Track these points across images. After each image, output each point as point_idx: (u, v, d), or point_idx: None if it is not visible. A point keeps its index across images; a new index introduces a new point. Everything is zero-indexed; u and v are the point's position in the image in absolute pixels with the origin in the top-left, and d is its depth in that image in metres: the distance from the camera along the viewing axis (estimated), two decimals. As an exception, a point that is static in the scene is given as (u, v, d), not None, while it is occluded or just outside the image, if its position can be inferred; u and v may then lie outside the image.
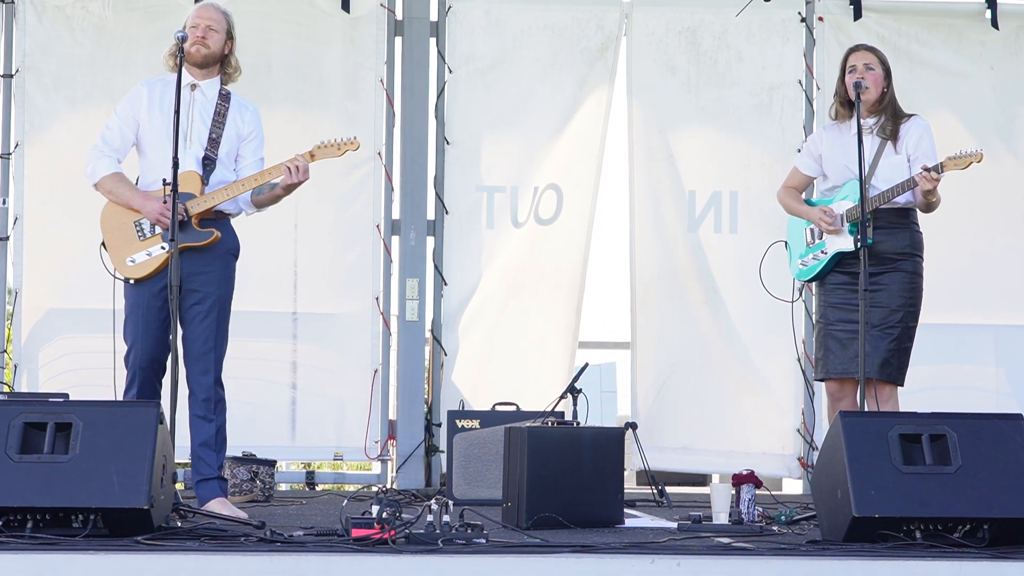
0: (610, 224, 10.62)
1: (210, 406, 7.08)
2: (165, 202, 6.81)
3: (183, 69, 6.97)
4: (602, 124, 9.66)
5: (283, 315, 9.43)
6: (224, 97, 7.20)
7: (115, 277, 7.08)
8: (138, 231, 7.05)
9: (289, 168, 7.05)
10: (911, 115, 7.49)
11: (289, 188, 7.14)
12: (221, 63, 7.25)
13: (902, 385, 7.40)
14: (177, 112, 6.70)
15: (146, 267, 7.03)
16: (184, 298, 6.99)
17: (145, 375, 7.09)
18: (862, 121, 7.33)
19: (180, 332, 7.00)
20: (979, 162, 7.18)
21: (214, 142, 7.09)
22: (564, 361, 9.60)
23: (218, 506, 6.98)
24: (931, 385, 9.19)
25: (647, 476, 8.63)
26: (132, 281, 7.04)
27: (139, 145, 7.16)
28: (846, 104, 7.49)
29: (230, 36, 7.24)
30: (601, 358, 15.02)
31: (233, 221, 7.27)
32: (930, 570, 5.29)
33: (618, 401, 15.87)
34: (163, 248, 6.97)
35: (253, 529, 5.88)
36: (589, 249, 9.68)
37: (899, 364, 7.36)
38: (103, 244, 7.09)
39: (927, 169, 7.15)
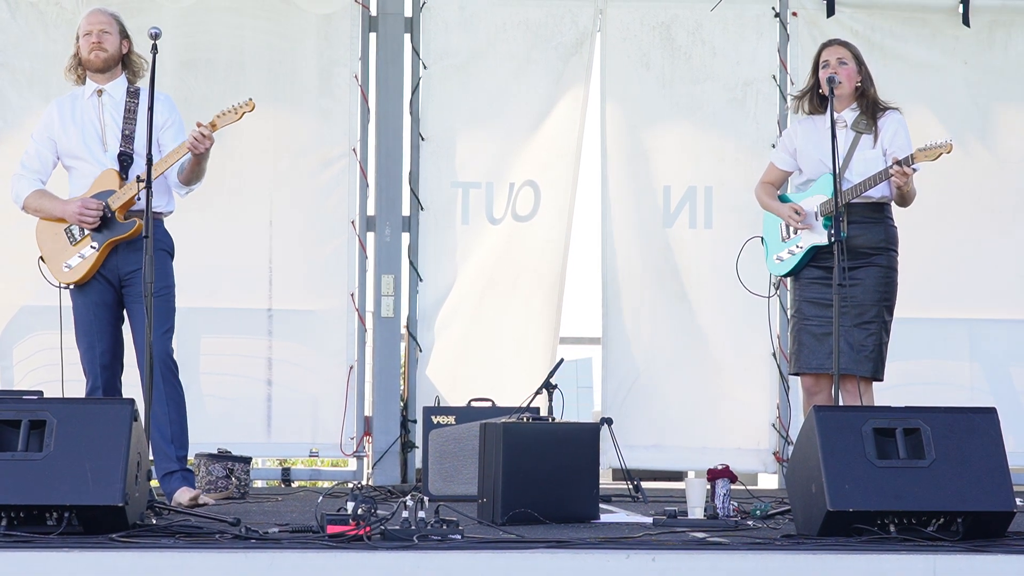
0: (586, 221, 10.62)
1: (172, 369, 7.19)
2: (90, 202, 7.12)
3: (88, 77, 7.30)
4: (579, 120, 9.65)
5: (258, 311, 9.40)
6: (133, 94, 7.35)
7: (58, 287, 7.20)
8: (69, 237, 7.20)
9: (195, 138, 7.11)
10: (887, 109, 7.50)
11: (200, 157, 7.22)
12: (123, 64, 7.35)
13: (881, 380, 7.43)
14: (151, 108, 6.75)
15: (80, 269, 7.18)
16: (130, 290, 7.15)
17: (108, 375, 7.21)
18: (837, 115, 7.37)
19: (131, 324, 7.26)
20: (949, 152, 7.20)
21: (128, 138, 7.24)
22: (545, 357, 9.58)
23: (184, 496, 7.03)
24: (905, 380, 9.20)
25: (623, 471, 8.63)
26: (72, 286, 7.16)
27: (63, 163, 7.29)
28: (820, 99, 7.51)
29: (124, 35, 7.43)
30: (577, 353, 15.00)
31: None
32: (904, 564, 5.30)
33: (594, 396, 15.85)
34: (93, 248, 7.16)
35: (228, 526, 5.88)
36: (569, 246, 9.67)
37: (877, 359, 7.38)
38: (41, 258, 7.20)
39: (898, 162, 7.18)
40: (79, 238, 7.19)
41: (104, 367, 7.23)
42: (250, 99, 7.33)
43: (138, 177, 6.96)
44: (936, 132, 8.56)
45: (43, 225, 7.28)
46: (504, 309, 9.63)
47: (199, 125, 7.17)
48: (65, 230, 7.22)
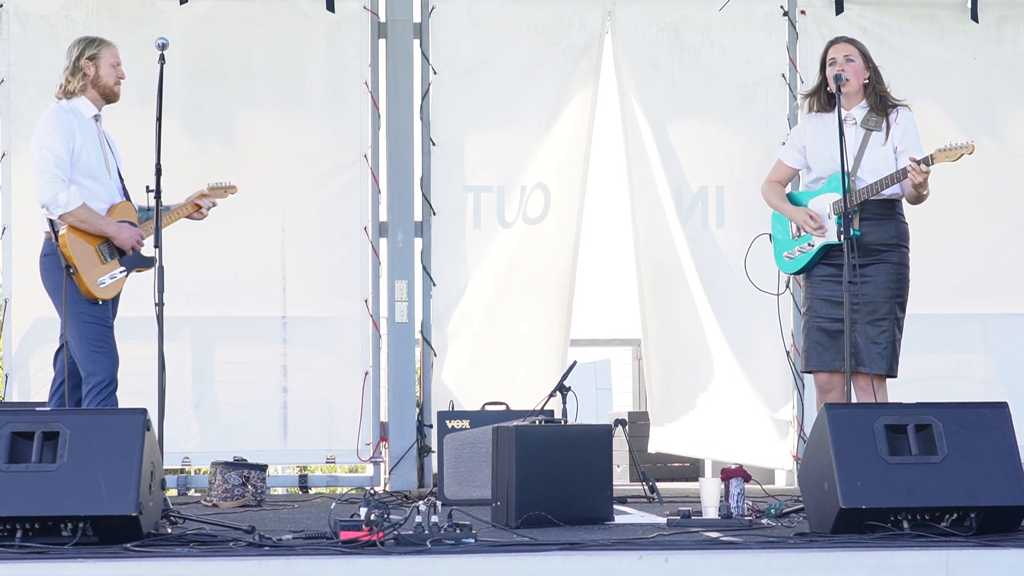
0: (599, 222, 10.62)
1: None
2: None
3: (87, 99, 7.31)
4: (588, 122, 9.64)
5: (273, 319, 9.42)
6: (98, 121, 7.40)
7: (87, 298, 7.17)
8: (100, 255, 7.22)
9: (208, 208, 7.62)
10: (897, 106, 7.48)
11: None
12: None
13: (895, 376, 7.41)
14: (159, 119, 6.79)
15: (113, 288, 7.28)
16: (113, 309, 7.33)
17: (115, 386, 7.24)
18: (847, 112, 7.36)
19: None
20: (970, 154, 7.16)
21: (119, 169, 7.32)
22: (556, 359, 9.59)
23: None
24: (919, 375, 9.19)
25: (638, 473, 8.64)
26: (100, 302, 7.19)
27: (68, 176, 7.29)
28: (829, 97, 7.50)
29: None
30: (595, 355, 15.00)
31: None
32: (918, 560, 5.32)
33: (613, 398, 15.84)
34: (123, 271, 7.29)
35: (242, 534, 5.90)
36: (578, 247, 9.67)
37: (891, 356, 7.36)
38: (74, 269, 7.18)
39: (917, 162, 7.15)
40: (109, 259, 7.24)
41: (114, 379, 7.27)
42: (234, 185, 7.78)
43: (147, 187, 7.02)
44: (946, 128, 8.57)
45: (74, 237, 7.21)
46: (517, 312, 9.63)
47: (203, 196, 7.56)
48: (97, 247, 7.23)
